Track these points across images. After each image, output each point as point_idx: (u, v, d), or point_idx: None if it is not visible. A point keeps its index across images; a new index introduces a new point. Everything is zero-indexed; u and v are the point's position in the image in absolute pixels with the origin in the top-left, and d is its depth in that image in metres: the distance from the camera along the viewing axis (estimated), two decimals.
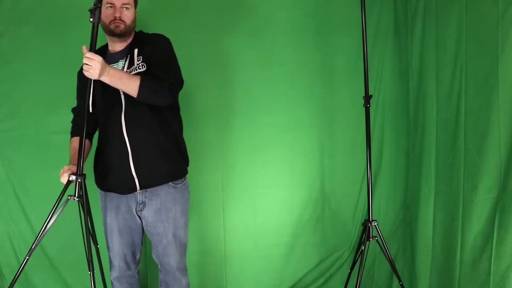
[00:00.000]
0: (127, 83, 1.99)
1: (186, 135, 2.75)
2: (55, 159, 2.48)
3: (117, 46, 2.22)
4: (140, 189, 2.16)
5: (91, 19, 1.89)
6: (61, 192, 1.98)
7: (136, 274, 2.39)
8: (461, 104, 2.51)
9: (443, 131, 2.68)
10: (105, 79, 1.95)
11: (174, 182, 2.21)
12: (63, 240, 2.66)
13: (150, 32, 2.29)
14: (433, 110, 2.74)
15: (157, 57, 2.14)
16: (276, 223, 2.94)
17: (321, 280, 3.01)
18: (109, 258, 2.33)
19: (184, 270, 2.35)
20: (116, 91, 2.10)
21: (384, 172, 3.04)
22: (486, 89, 2.34)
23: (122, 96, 2.12)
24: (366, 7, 2.69)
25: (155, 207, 2.18)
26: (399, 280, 2.72)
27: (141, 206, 2.19)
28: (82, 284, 2.76)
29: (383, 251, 2.67)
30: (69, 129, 2.33)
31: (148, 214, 2.19)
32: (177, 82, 2.13)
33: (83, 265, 2.60)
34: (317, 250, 3.00)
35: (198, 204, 2.84)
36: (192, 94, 2.79)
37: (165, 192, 2.18)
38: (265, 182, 2.91)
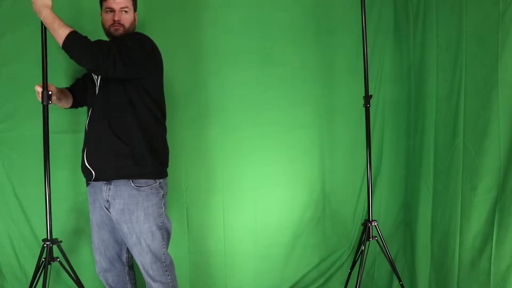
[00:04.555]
0: (57, 29, 2.03)
1: (187, 135, 2.76)
2: (55, 159, 2.48)
3: None
4: (95, 180, 2.20)
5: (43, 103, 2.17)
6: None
7: (126, 274, 2.40)
8: (461, 104, 2.51)
9: (442, 131, 2.68)
10: (42, 18, 2.07)
11: (136, 184, 2.17)
12: (65, 241, 2.65)
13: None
14: (433, 110, 2.74)
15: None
16: (276, 223, 2.93)
17: (321, 280, 3.01)
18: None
19: (157, 280, 2.25)
20: (98, 90, 2.20)
21: (384, 172, 3.04)
22: (486, 89, 2.34)
23: (98, 94, 2.20)
24: (366, 7, 2.70)
25: (119, 207, 2.18)
26: (399, 280, 2.72)
27: (107, 204, 2.21)
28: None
29: (383, 251, 2.67)
30: (69, 129, 2.34)
31: (114, 213, 2.20)
32: (121, 58, 2.02)
33: (85, 266, 2.64)
34: (317, 250, 3.00)
35: (198, 204, 2.83)
36: (192, 94, 2.79)
37: (128, 194, 2.17)
38: (265, 182, 2.90)
